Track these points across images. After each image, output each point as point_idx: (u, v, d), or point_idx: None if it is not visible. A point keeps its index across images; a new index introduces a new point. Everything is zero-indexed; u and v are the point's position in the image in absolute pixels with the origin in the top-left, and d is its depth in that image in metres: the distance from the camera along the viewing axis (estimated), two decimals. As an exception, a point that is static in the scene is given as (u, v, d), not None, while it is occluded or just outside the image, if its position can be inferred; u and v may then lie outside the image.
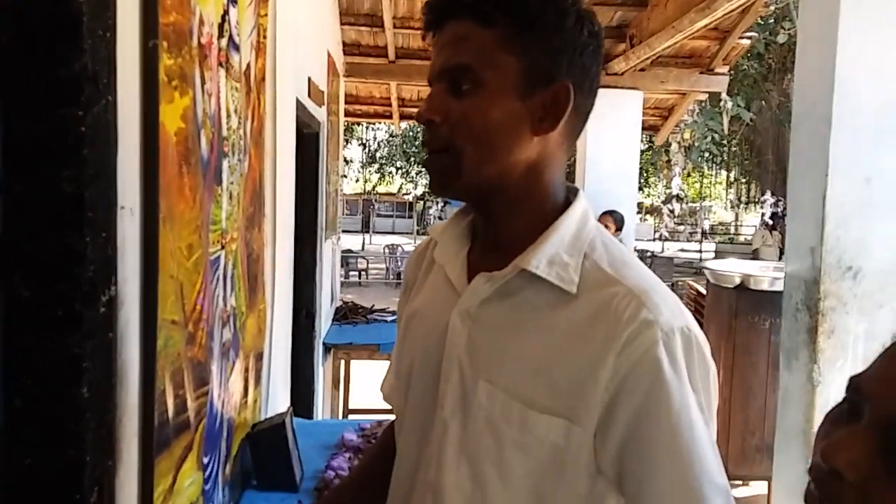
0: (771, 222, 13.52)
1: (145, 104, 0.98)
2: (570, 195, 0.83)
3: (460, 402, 0.78)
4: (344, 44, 5.43)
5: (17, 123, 0.80)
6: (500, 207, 0.80)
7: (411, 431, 0.85)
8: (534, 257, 0.75)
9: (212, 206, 1.30)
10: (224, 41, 1.41)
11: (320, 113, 3.56)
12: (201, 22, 1.23)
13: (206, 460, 1.23)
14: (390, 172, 29.16)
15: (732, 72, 7.34)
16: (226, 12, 1.42)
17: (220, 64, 1.38)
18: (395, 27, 5.18)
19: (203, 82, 1.24)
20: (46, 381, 0.76)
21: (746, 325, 3.52)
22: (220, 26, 1.39)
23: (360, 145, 27.48)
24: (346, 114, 6.64)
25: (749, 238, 21.26)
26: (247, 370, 1.65)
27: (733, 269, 3.74)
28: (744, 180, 25.25)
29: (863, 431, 0.51)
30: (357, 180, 30.52)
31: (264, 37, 1.88)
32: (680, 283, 10.47)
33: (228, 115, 1.45)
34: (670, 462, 0.70)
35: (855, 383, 0.55)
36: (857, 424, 0.52)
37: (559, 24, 0.74)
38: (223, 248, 1.38)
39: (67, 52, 0.79)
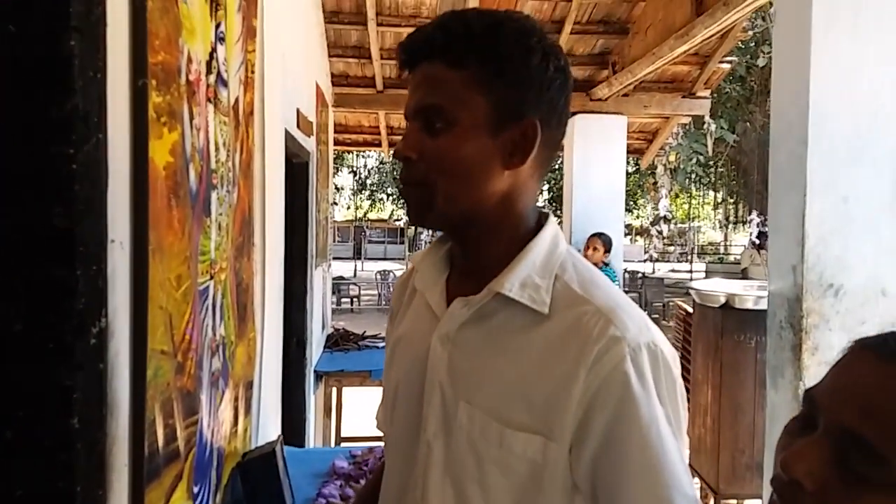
0: (758, 241, 13.63)
1: (135, 141, 1.01)
2: (542, 219, 0.86)
3: (443, 424, 0.80)
4: (332, 75, 5.51)
5: (11, 161, 0.82)
6: (475, 236, 0.83)
7: (398, 453, 0.88)
8: (507, 281, 0.78)
9: (200, 238, 1.32)
10: (212, 77, 1.45)
11: (309, 143, 3.60)
12: (189, 60, 1.27)
13: (196, 489, 1.24)
14: (381, 199, 29.29)
15: (715, 95, 7.49)
16: (213, 50, 1.46)
17: (208, 99, 1.41)
18: (381, 58, 5.27)
19: (191, 118, 1.27)
20: (37, 413, 0.78)
21: (733, 343, 3.55)
22: (209, 63, 1.42)
23: (350, 173, 27.63)
24: (336, 143, 6.71)
25: (738, 257, 21.39)
26: (237, 399, 1.66)
27: (718, 288, 3.78)
28: (731, 200, 25.51)
29: (818, 442, 0.54)
30: (348, 207, 30.63)
31: (252, 71, 1.92)
32: (671, 303, 10.51)
33: (217, 149, 1.48)
34: (640, 473, 0.73)
35: (809, 395, 0.57)
36: (812, 435, 0.55)
37: (526, 63, 0.78)
38: (212, 278, 1.40)
39: (59, 93, 0.82)
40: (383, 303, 15.12)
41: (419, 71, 0.81)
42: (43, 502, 0.77)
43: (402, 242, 29.52)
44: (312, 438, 3.83)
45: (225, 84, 1.59)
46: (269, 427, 2.12)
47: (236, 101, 1.72)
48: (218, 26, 1.52)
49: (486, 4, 4.65)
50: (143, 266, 0.98)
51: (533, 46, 0.78)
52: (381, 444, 2.31)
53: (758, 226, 14.26)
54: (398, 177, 0.85)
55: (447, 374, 0.81)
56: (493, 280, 0.80)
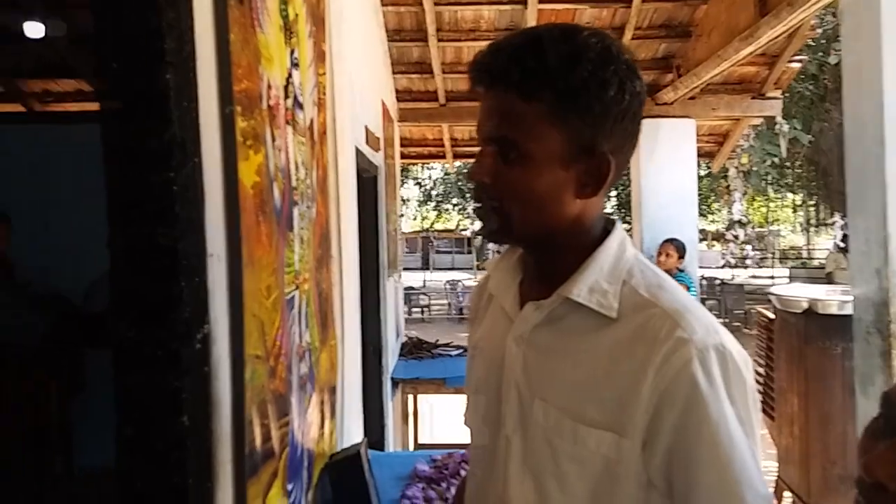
0: (843, 244, 13.00)
1: (225, 163, 1.09)
2: (609, 225, 0.89)
3: (520, 420, 0.85)
4: (397, 91, 5.65)
5: (119, 187, 0.91)
6: (546, 250, 0.87)
7: (480, 448, 0.93)
8: (575, 286, 0.82)
9: (285, 251, 1.41)
10: (290, 101, 1.54)
11: (377, 158, 3.71)
12: (269, 86, 1.35)
13: (289, 487, 1.32)
14: (447, 210, 29.46)
15: (787, 95, 7.21)
16: (290, 75, 1.55)
17: (287, 122, 1.50)
18: (443, 73, 5.37)
19: (273, 139, 1.36)
20: (152, 413, 0.86)
21: (817, 350, 3.40)
22: (286, 88, 1.51)
23: (416, 184, 27.94)
24: (402, 156, 6.85)
25: (823, 262, 20.42)
26: (322, 403, 1.74)
27: (800, 294, 3.64)
28: (811, 203, 24.38)
29: None
30: (415, 218, 30.95)
31: (323, 93, 2.02)
32: (752, 310, 10.10)
33: (297, 167, 1.57)
34: (712, 471, 0.74)
35: (887, 397, 0.58)
36: (894, 438, 0.55)
37: (601, 96, 0.77)
38: (297, 288, 1.48)
39: (159, 123, 0.90)
40: (453, 312, 15.23)
41: (492, 95, 0.82)
42: (160, 496, 0.85)
43: (470, 252, 29.63)
44: (391, 444, 3.92)
45: (301, 106, 1.68)
46: (352, 431, 2.20)
47: (311, 121, 1.81)
48: (292, 52, 1.61)
49: (545, 16, 4.67)
50: (238, 277, 1.06)
51: (608, 79, 0.77)
52: (460, 449, 2.36)
53: (842, 228, 13.61)
54: (472, 197, 0.87)
55: (522, 373, 0.85)
56: (562, 285, 0.83)
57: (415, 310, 15.08)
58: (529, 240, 0.86)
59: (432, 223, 30.83)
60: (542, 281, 0.87)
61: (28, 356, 2.62)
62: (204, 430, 0.91)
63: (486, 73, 0.81)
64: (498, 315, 0.94)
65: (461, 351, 4.59)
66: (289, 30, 1.57)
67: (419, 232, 30.98)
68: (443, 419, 5.36)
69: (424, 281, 22.07)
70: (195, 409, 0.88)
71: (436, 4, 4.63)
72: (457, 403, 4.50)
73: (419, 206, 29.55)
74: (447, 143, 7.11)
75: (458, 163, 7.64)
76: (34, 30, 3.52)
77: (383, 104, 4.30)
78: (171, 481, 0.85)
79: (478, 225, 0.88)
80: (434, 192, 28.59)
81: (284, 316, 1.34)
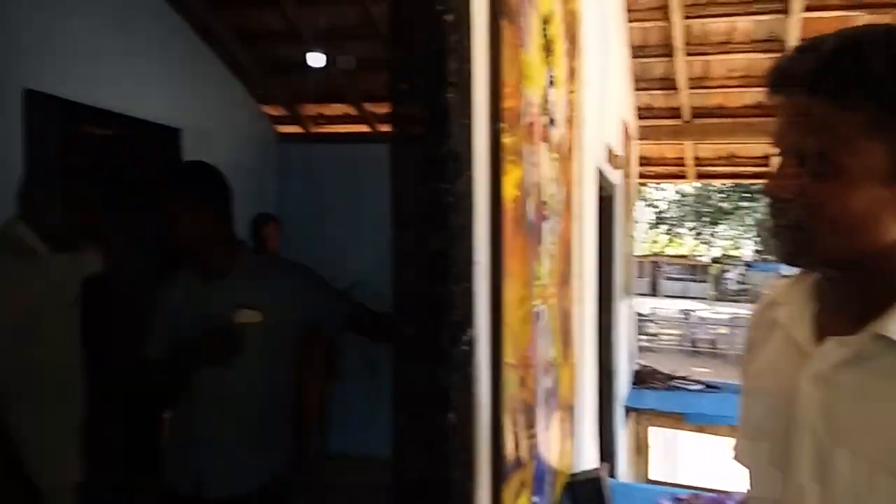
0: None
1: (492, 177, 1.14)
2: None
3: (816, 469, 0.75)
4: (637, 108, 5.51)
5: (404, 194, 0.99)
6: (853, 277, 0.77)
7: (763, 494, 0.84)
8: (894, 323, 0.71)
9: (535, 264, 1.43)
10: (545, 118, 1.58)
11: (615, 176, 3.65)
12: (528, 104, 1.40)
13: (535, 500, 1.33)
14: (679, 234, 27.93)
15: None
16: (546, 93, 1.59)
17: (542, 139, 1.53)
18: (689, 88, 5.11)
19: (530, 155, 1.40)
20: (424, 406, 0.92)
21: None
22: (542, 106, 1.55)
23: (647, 206, 26.92)
24: (639, 175, 6.65)
25: None
26: (562, 420, 1.74)
27: None
28: None
29: None
30: (644, 242, 29.79)
31: (573, 111, 2.03)
32: None
33: (548, 183, 1.59)
34: None
35: None
36: None
37: None
38: (544, 302, 1.50)
39: (439, 139, 0.97)
40: (686, 344, 14.39)
41: (797, 103, 0.74)
42: (428, 485, 0.91)
43: (703, 280, 27.72)
44: (620, 474, 3.78)
45: (554, 124, 1.71)
46: (586, 453, 2.17)
47: (561, 138, 1.83)
48: (550, 71, 1.65)
49: (811, 25, 4.22)
50: (498, 285, 1.10)
51: None
52: (704, 491, 2.20)
53: None
54: (768, 214, 0.79)
55: (821, 417, 0.76)
56: (875, 320, 0.72)
57: (641, 337, 14.51)
58: (835, 264, 0.76)
59: (663, 247, 29.42)
60: (846, 312, 0.77)
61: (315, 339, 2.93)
62: (467, 429, 0.95)
63: (792, 78, 0.74)
64: (784, 348, 0.84)
65: (702, 387, 4.29)
66: (548, 49, 1.60)
67: (648, 256, 29.72)
68: (681, 456, 5.04)
69: (652, 308, 21.14)
70: (461, 407, 0.93)
71: (686, 17, 4.44)
72: (697, 442, 4.19)
73: (649, 228, 28.39)
74: (689, 162, 6.75)
75: (698, 183, 7.21)
76: (316, 59, 4.03)
77: (624, 122, 4.23)
78: (437, 473, 0.90)
79: (772, 246, 0.79)
80: (666, 215, 27.28)
81: (533, 328, 1.36)
